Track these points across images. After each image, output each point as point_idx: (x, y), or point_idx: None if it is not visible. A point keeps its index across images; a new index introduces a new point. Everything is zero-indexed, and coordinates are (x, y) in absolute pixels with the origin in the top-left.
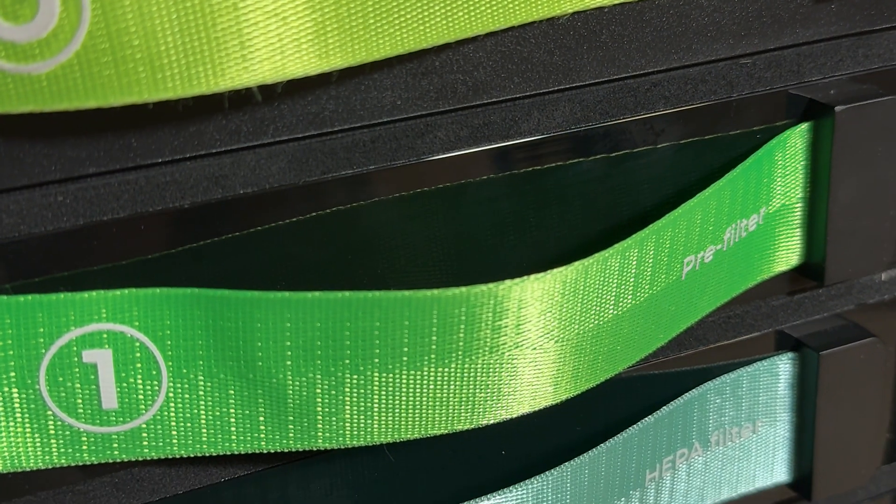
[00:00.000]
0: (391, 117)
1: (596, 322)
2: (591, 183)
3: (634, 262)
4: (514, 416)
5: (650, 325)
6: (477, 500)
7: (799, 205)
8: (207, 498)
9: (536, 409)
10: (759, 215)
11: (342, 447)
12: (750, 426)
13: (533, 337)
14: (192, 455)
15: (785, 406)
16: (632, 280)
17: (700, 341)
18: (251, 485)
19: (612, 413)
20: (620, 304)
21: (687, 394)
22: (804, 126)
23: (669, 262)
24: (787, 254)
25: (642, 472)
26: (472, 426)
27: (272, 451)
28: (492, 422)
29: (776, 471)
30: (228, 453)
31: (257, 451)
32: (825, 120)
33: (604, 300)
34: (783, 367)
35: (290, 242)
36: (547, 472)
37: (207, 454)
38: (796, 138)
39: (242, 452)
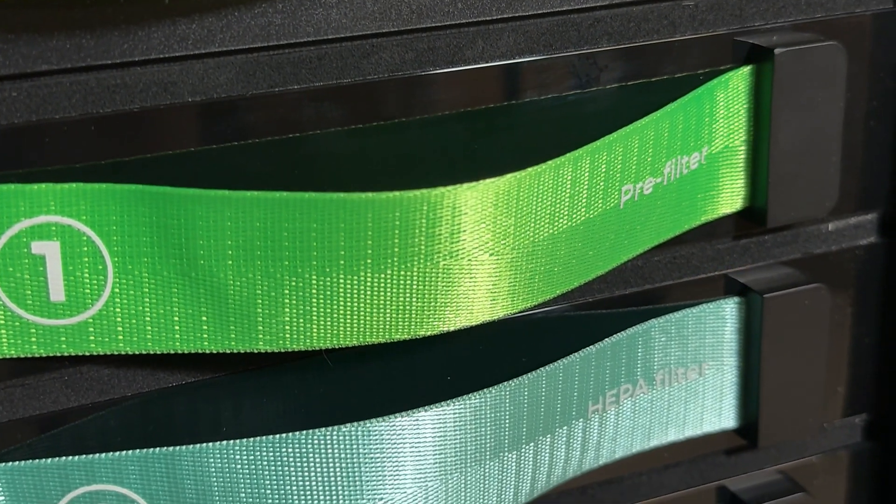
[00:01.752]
0: (336, 35)
1: (531, 239)
2: (531, 117)
3: (569, 181)
4: (452, 328)
5: (588, 251)
6: (414, 411)
7: (742, 147)
8: (155, 402)
9: (473, 322)
10: (700, 154)
11: (282, 350)
12: (696, 368)
13: (468, 247)
14: (137, 352)
15: (731, 351)
16: (566, 199)
17: (646, 280)
18: (198, 391)
19: (556, 348)
20: (556, 223)
21: (631, 328)
22: (746, 69)
23: (606, 187)
24: (731, 196)
25: (584, 402)
26: (410, 336)
27: (215, 352)
28: (429, 333)
29: (723, 416)
30: (172, 352)
31: (200, 352)
32: (766, 63)
33: (538, 217)
34: (729, 310)
35: (240, 157)
36: (486, 390)
37: (152, 352)
38: (738, 81)
39: (186, 352)
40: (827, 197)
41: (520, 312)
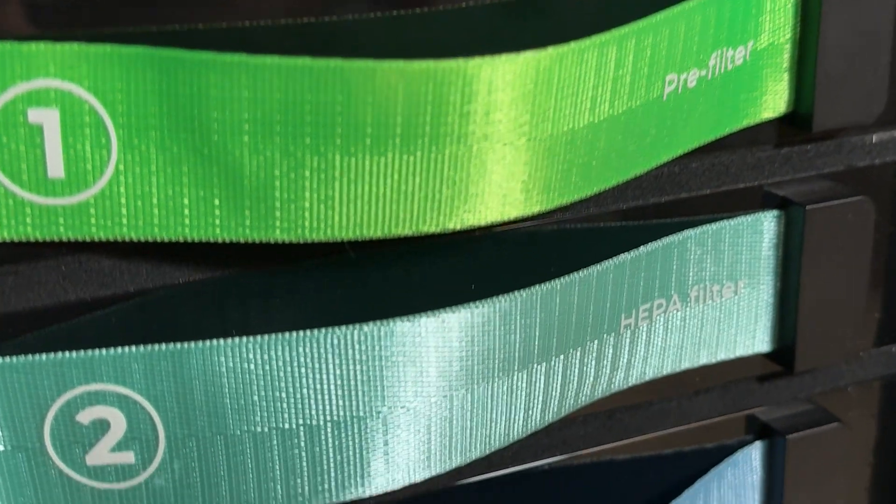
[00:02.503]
0: None
1: (570, 125)
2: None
3: (612, 63)
4: (482, 222)
5: (629, 146)
6: (440, 311)
7: (787, 46)
8: (160, 301)
9: (505, 218)
10: (746, 48)
11: (301, 240)
12: (731, 286)
13: (503, 129)
14: (142, 238)
15: (769, 268)
16: (609, 83)
17: (682, 187)
18: (208, 290)
19: (589, 259)
20: (597, 110)
21: (667, 237)
22: None
23: (650, 73)
24: (775, 98)
25: (617, 315)
26: (438, 229)
27: (227, 242)
28: (458, 227)
29: (758, 338)
30: (181, 239)
31: (212, 240)
32: None
33: (579, 101)
34: (767, 224)
35: (258, 37)
36: (516, 293)
37: (159, 239)
38: None
39: (196, 240)
40: (875, 102)
41: (553, 211)
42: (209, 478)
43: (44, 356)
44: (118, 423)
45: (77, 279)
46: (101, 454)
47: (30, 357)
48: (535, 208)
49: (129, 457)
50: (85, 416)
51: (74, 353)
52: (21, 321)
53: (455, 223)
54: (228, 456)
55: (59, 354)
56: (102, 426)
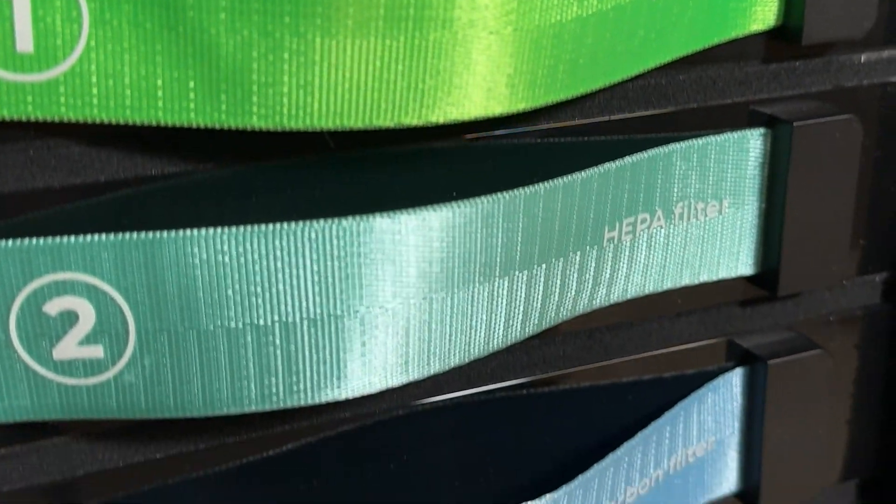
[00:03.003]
0: None
1: (559, 17)
2: None
3: None
4: (466, 117)
5: (617, 45)
6: (421, 209)
7: None
8: (130, 195)
9: (489, 113)
10: None
11: (278, 128)
12: (716, 205)
13: (489, 16)
14: (113, 120)
15: (754, 188)
16: None
17: (668, 100)
18: (180, 183)
19: (574, 170)
20: (585, 3)
21: (652, 150)
22: None
23: None
24: (764, 9)
25: (600, 227)
26: (420, 121)
27: (203, 126)
28: (441, 120)
29: (741, 261)
30: (154, 123)
31: (186, 125)
32: None
33: None
34: (754, 142)
35: None
36: (499, 194)
37: (131, 121)
38: None
39: (170, 124)
40: (865, 16)
41: (538, 117)
42: (181, 374)
43: (10, 242)
44: (87, 315)
45: (45, 165)
46: (68, 348)
47: None
48: (521, 105)
49: (97, 351)
50: (52, 307)
51: (42, 240)
52: None
53: (438, 116)
54: (201, 352)
55: (27, 241)
56: (70, 318)
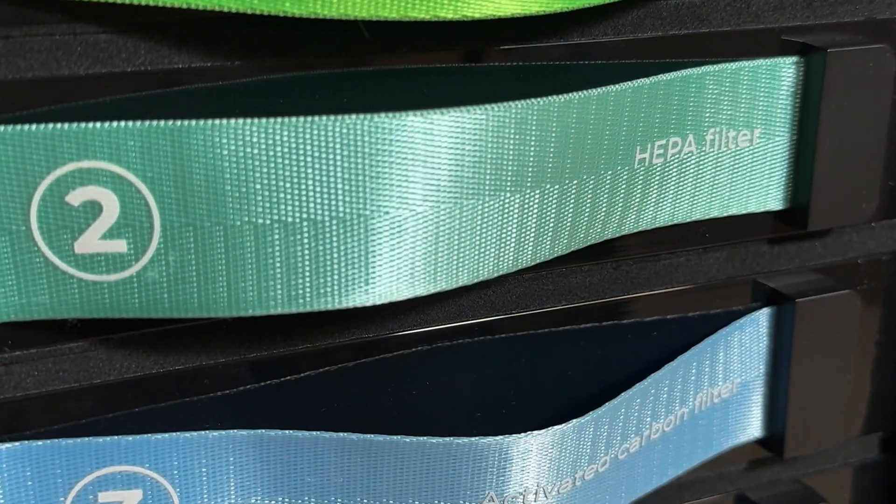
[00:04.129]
0: None
1: None
2: None
3: None
4: (501, 13)
5: None
6: (455, 109)
7: None
8: (163, 96)
9: (526, 11)
10: None
11: (312, 16)
12: (747, 133)
13: None
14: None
15: (785, 119)
16: None
17: (702, 21)
18: (208, 79)
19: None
20: None
21: (685, 70)
22: None
23: None
24: None
25: (632, 146)
26: (456, 15)
27: (234, 12)
28: (477, 15)
29: (770, 194)
30: (183, 5)
31: (217, 9)
32: None
33: None
34: (786, 70)
35: None
36: (533, 100)
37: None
38: None
39: (203, 7)
40: None
41: (569, 29)
42: (206, 272)
43: (34, 126)
44: (111, 206)
45: (71, 51)
46: (90, 241)
47: (18, 127)
48: (557, 4)
49: (121, 245)
50: (76, 197)
51: (67, 125)
52: (9, 92)
53: (473, 11)
54: (227, 249)
55: (51, 126)
56: (94, 209)
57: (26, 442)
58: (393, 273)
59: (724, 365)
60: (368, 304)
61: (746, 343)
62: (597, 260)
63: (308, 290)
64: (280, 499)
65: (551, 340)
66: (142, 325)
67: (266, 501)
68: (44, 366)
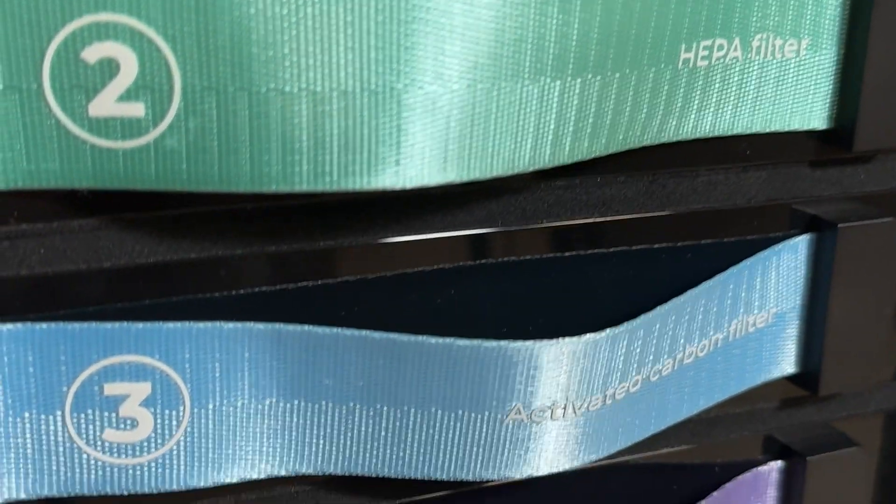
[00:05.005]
0: None
1: None
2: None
3: None
4: None
5: None
6: None
7: None
8: None
9: None
10: None
11: None
12: (794, 43)
13: None
14: None
15: (834, 31)
16: None
17: None
18: None
19: None
20: None
21: None
22: None
23: None
24: None
25: (677, 43)
26: None
27: None
28: None
29: (815, 112)
30: None
31: None
32: None
33: None
34: None
35: None
36: None
37: None
38: None
39: None
40: None
41: None
42: (228, 142)
43: None
44: (129, 65)
45: None
46: (106, 103)
47: None
48: None
49: (138, 109)
50: (91, 54)
51: None
52: None
53: None
54: (251, 118)
55: None
56: (110, 68)
57: (29, 324)
58: (425, 154)
59: (761, 292)
60: (398, 186)
61: (784, 270)
62: (633, 171)
63: (336, 166)
64: (296, 402)
65: (581, 261)
66: (156, 205)
67: (282, 403)
68: (51, 242)
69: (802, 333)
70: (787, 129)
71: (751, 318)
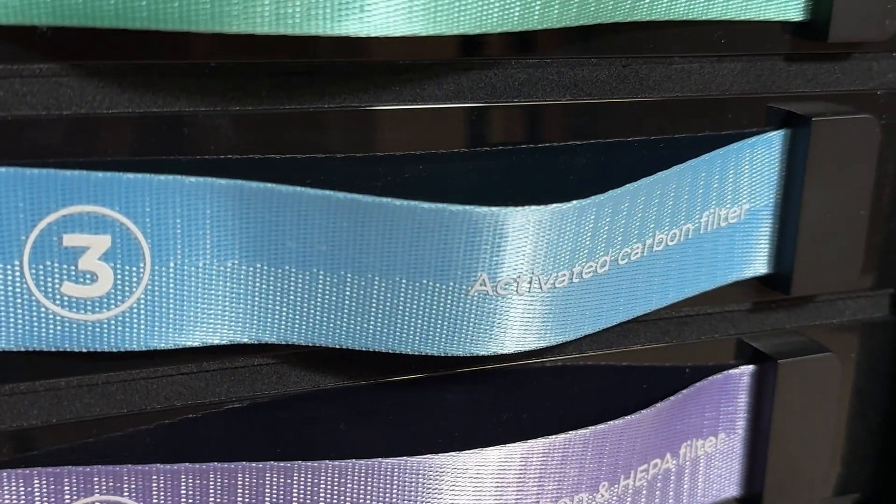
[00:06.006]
0: None
1: None
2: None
3: None
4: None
5: None
6: None
7: None
8: None
9: None
10: None
11: None
12: None
13: None
14: None
15: None
16: None
17: None
18: None
19: None
20: None
21: None
22: None
23: None
24: None
25: None
26: None
27: None
28: None
29: (790, 1)
30: None
31: None
32: None
33: None
34: None
35: None
36: None
37: None
38: None
39: None
40: None
41: None
42: None
43: None
44: None
45: None
46: None
47: None
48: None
49: None
50: None
51: None
52: None
53: None
54: None
55: None
56: None
57: None
58: (391, 1)
59: (734, 185)
60: (362, 34)
61: (757, 164)
62: (605, 54)
63: (298, 9)
64: (259, 265)
65: (552, 149)
66: (119, 54)
67: (244, 266)
68: (10, 85)
69: (775, 233)
70: (762, 17)
71: (723, 211)
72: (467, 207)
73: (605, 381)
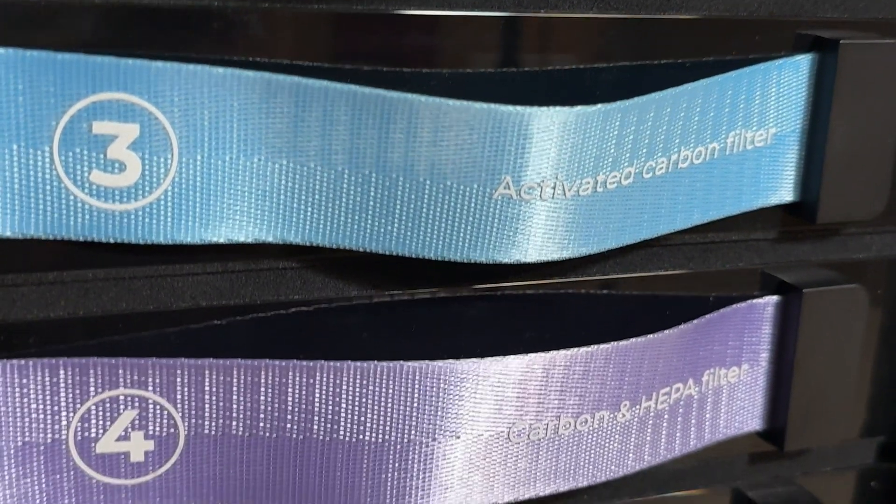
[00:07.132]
0: None
1: None
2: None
3: None
4: None
5: None
6: None
7: None
8: None
9: None
10: None
11: None
12: None
13: None
14: None
15: None
16: None
17: None
18: None
19: None
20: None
21: None
22: None
23: None
24: None
25: None
26: None
27: None
28: None
29: None
30: None
31: None
32: None
33: None
34: None
35: None
36: None
37: None
38: None
39: None
40: None
41: None
42: None
43: None
44: None
45: None
46: None
47: None
48: None
49: None
50: None
51: None
52: None
53: None
54: None
55: None
56: None
57: (19, 49)
58: None
59: (761, 107)
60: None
61: (784, 87)
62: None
63: None
64: (284, 162)
65: (577, 71)
66: None
67: (270, 163)
68: None
69: (802, 160)
70: None
71: (749, 133)
72: (492, 105)
73: (628, 306)
